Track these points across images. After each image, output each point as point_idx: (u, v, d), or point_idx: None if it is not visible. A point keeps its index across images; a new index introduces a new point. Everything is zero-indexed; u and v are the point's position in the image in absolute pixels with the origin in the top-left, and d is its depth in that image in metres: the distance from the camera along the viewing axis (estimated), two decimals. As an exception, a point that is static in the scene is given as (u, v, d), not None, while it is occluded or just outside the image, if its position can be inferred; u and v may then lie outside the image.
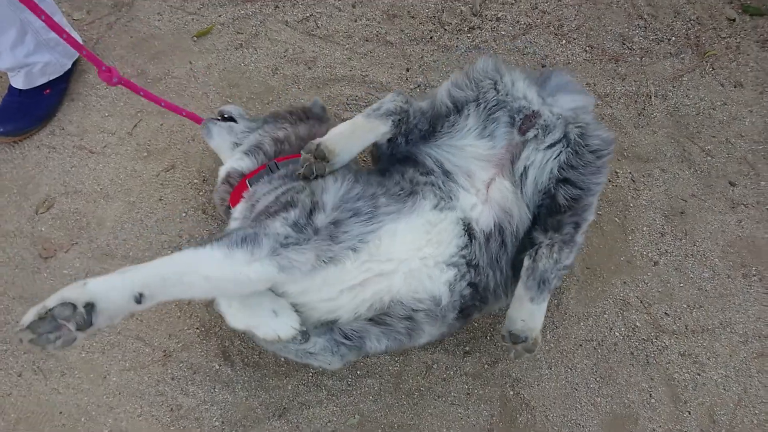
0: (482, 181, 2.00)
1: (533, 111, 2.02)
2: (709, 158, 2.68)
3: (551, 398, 2.30)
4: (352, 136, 1.99)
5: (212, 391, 2.34)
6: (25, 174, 2.78)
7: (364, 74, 2.92)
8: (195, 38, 3.05)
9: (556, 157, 1.95)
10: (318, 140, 1.96)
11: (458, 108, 2.08)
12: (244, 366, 2.38)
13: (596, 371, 2.33)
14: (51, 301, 1.39)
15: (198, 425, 2.29)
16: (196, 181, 2.73)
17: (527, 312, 1.88)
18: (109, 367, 2.40)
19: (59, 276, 2.57)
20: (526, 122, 2.01)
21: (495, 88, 2.06)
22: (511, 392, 2.31)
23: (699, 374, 2.31)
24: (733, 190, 2.61)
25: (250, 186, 2.10)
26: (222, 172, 2.28)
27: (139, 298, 1.50)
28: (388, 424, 2.28)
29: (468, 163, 2.03)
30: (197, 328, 2.45)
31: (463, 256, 1.91)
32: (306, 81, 2.92)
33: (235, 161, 2.26)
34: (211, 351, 2.41)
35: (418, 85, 2.88)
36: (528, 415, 2.27)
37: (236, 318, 1.81)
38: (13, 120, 2.80)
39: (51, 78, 2.84)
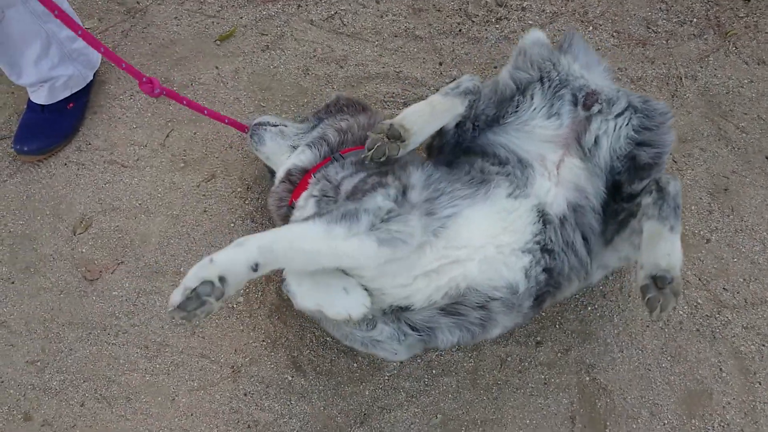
0: (553, 163, 2.01)
1: (593, 89, 2.06)
2: (744, 135, 2.75)
3: (626, 381, 2.33)
4: (428, 114, 1.99)
5: (288, 403, 2.29)
6: (56, 194, 2.65)
7: (397, 70, 2.89)
8: (218, 42, 2.95)
9: (627, 123, 2.00)
10: (389, 120, 1.93)
11: (522, 89, 2.10)
12: (317, 375, 2.33)
13: (666, 350, 2.37)
14: (191, 282, 1.52)
15: (278, 439, 2.24)
16: (239, 189, 2.65)
17: (670, 244, 1.73)
18: (176, 388, 2.31)
19: (108, 298, 2.46)
20: (589, 98, 2.04)
21: (556, 69, 2.11)
22: (587, 378, 2.33)
23: (764, 345, 2.38)
24: (770, 165, 2.70)
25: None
26: (281, 171, 2.22)
27: (255, 267, 1.59)
28: (470, 421, 2.28)
29: (538, 147, 2.04)
30: (263, 341, 2.38)
31: (538, 242, 1.92)
32: (339, 80, 2.86)
33: (296, 157, 2.20)
34: (281, 362, 2.35)
35: (453, 79, 2.86)
36: (607, 399, 2.30)
37: (306, 297, 1.78)
38: (38, 138, 2.66)
39: (74, 91, 2.71)
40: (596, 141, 2.00)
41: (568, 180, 1.99)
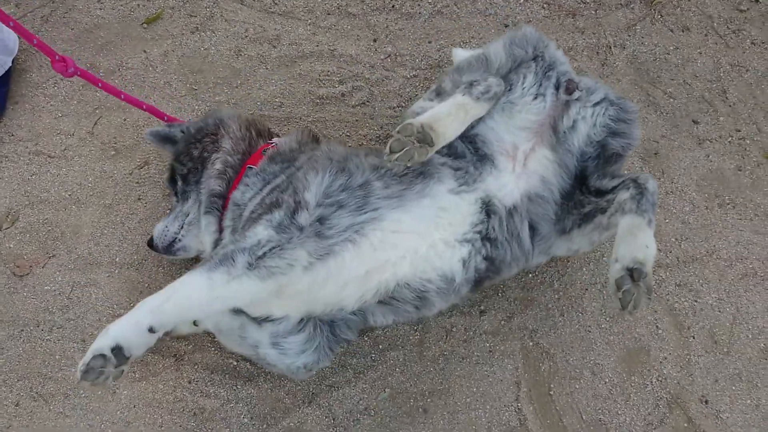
0: (523, 153, 1.99)
1: (572, 76, 2.09)
2: (671, 100, 2.83)
3: (568, 343, 2.39)
4: (461, 119, 1.90)
5: (234, 387, 2.26)
6: (-22, 188, 2.53)
7: (332, 48, 2.85)
8: (145, 25, 2.86)
9: (604, 113, 2.02)
10: (419, 121, 1.81)
11: (516, 67, 2.06)
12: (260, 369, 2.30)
13: (604, 312, 2.44)
14: (87, 356, 1.55)
15: (226, 425, 2.21)
16: (174, 175, 2.58)
17: (648, 237, 1.74)
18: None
19: (41, 293, 2.37)
20: (571, 84, 2.05)
21: (547, 50, 2.11)
22: (531, 343, 2.38)
23: (696, 301, 2.47)
24: (697, 128, 2.79)
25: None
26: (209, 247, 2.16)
27: (152, 329, 1.62)
28: (419, 393, 2.29)
29: (513, 135, 2.00)
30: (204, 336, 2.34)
31: (479, 232, 1.91)
32: (273, 60, 2.81)
33: (206, 230, 2.12)
34: (226, 348, 2.31)
35: (389, 55, 2.85)
36: (550, 363, 2.35)
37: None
38: (-45, 130, 2.53)
39: (-9, 80, 2.58)
40: (574, 125, 2.01)
41: (533, 170, 1.98)
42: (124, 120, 2.67)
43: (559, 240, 2.06)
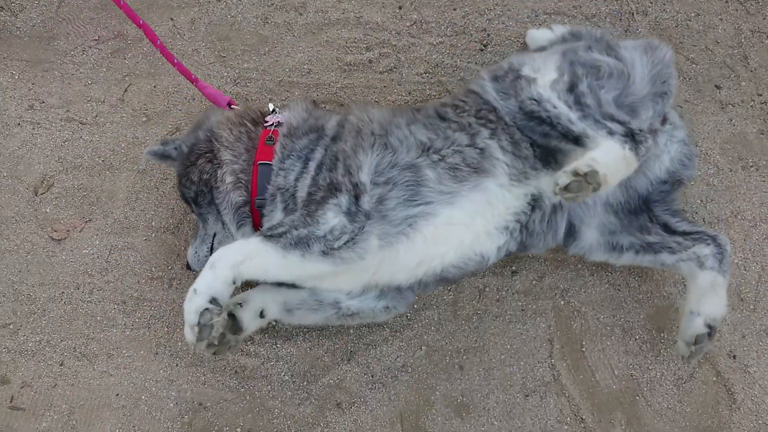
0: None
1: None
2: (694, 66, 2.87)
3: (599, 302, 2.43)
4: (623, 171, 1.84)
5: (274, 347, 2.30)
6: (11, 155, 2.54)
7: (357, 16, 2.86)
8: (171, -8, 2.86)
9: (682, 149, 2.14)
10: (593, 166, 1.74)
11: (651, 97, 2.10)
12: (301, 318, 2.35)
13: (633, 271, 2.48)
14: (191, 318, 1.68)
15: (267, 382, 2.25)
16: (206, 140, 2.60)
17: (725, 296, 2.00)
18: (158, 340, 2.29)
19: (79, 257, 2.40)
20: (666, 116, 2.14)
21: (671, 87, 2.17)
22: (562, 302, 2.43)
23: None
24: (719, 93, 2.82)
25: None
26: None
27: (234, 281, 1.75)
28: (454, 350, 2.34)
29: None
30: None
31: (519, 221, 1.99)
32: (300, 28, 2.82)
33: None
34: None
35: (414, 22, 2.87)
36: (581, 321, 2.40)
37: None
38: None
39: None
40: (660, 154, 2.10)
41: None
42: (154, 87, 2.68)
43: (604, 253, 2.18)
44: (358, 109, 2.15)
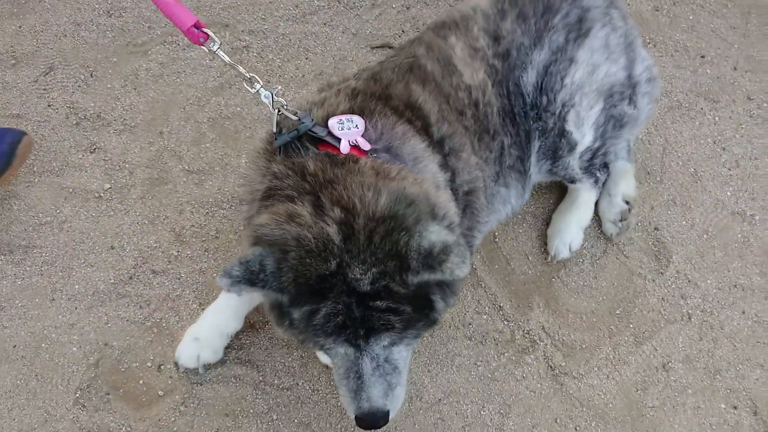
0: None
1: None
2: None
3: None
4: None
5: (178, 277, 2.20)
6: None
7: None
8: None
9: None
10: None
11: None
12: (203, 244, 2.25)
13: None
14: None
15: (174, 313, 2.16)
16: (83, 76, 2.45)
17: (633, 179, 2.32)
18: (53, 286, 2.17)
19: None
20: None
21: None
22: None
23: (626, 137, 2.51)
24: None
25: None
26: None
27: None
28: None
29: None
30: (141, 222, 2.26)
31: None
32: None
33: None
34: (164, 239, 2.24)
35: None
36: (492, 212, 2.37)
37: None
38: None
39: None
40: None
41: None
42: (19, 27, 2.51)
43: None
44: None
